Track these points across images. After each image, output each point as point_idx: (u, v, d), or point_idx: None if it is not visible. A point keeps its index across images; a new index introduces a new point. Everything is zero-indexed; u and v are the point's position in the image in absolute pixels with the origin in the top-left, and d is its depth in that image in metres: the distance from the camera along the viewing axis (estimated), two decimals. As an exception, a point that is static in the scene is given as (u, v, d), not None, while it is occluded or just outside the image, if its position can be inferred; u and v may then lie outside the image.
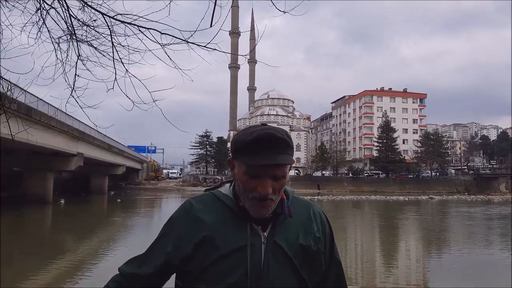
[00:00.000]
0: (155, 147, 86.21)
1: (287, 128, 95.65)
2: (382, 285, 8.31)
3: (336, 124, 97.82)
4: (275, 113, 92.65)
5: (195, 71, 3.11)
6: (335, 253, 1.24)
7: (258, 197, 1.07)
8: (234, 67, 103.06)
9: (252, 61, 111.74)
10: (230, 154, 1.16)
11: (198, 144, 75.89)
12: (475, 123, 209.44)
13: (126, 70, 3.02)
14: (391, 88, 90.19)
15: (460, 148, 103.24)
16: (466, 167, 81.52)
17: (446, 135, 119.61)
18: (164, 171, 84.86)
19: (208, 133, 75.95)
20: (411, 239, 16.19)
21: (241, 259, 1.06)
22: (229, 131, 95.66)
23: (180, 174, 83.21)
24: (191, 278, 1.10)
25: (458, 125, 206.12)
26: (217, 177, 70.77)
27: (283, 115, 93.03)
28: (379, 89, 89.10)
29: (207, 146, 75.67)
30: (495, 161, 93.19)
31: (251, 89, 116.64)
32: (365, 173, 72.58)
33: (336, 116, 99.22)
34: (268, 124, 1.15)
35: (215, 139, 76.58)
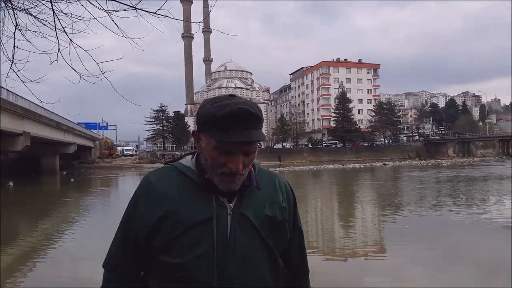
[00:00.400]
0: (107, 123, 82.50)
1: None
2: (341, 249, 8.57)
3: (295, 96, 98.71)
4: (233, 86, 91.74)
5: (146, 40, 2.95)
6: (298, 221, 1.27)
7: (228, 173, 1.06)
8: (187, 36, 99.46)
9: (207, 30, 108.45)
10: (196, 126, 1.13)
11: (153, 119, 73.68)
12: (425, 92, 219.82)
13: (70, 40, 2.82)
14: (346, 59, 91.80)
15: (411, 116, 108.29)
16: (417, 134, 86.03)
17: (398, 104, 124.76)
18: (119, 148, 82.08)
19: (163, 108, 73.83)
20: (367, 204, 16.86)
21: (207, 231, 1.06)
22: (186, 104, 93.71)
23: (136, 151, 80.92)
24: (156, 253, 1.09)
25: (409, 94, 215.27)
26: (176, 153, 69.49)
27: (242, 88, 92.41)
28: (335, 60, 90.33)
29: (164, 121, 73.59)
30: (443, 128, 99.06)
31: (207, 60, 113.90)
32: (324, 144, 74.49)
33: (295, 88, 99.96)
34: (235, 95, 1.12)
35: (171, 114, 74.69)
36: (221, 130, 1.02)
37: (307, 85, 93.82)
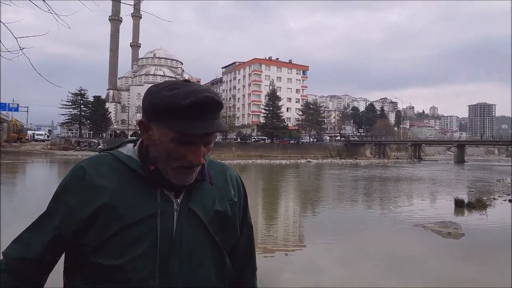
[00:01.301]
0: (17, 104, 74.26)
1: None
2: (262, 246, 8.16)
3: (227, 90, 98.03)
4: (162, 74, 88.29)
5: (73, 19, 2.81)
6: (248, 216, 1.21)
7: (187, 166, 0.96)
8: (115, 19, 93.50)
9: (137, 15, 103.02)
10: (144, 114, 0.99)
11: (71, 103, 68.05)
12: (348, 96, 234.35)
13: None
14: (278, 58, 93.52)
15: (334, 117, 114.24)
16: (339, 134, 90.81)
17: (323, 105, 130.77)
18: (29, 132, 74.51)
19: (83, 91, 68.51)
20: (290, 200, 16.87)
21: (149, 229, 0.94)
22: (108, 90, 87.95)
23: (48, 136, 74.03)
24: (87, 252, 0.95)
25: (334, 96, 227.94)
26: (93, 140, 65.05)
27: (171, 77, 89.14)
28: (267, 58, 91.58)
29: (82, 106, 68.30)
30: (362, 130, 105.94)
31: (135, 45, 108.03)
32: (253, 139, 75.04)
33: (227, 81, 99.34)
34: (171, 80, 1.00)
35: (91, 98, 69.82)
36: (183, 120, 0.92)
37: (239, 80, 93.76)
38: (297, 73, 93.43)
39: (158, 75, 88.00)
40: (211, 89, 0.97)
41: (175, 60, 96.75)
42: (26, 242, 0.97)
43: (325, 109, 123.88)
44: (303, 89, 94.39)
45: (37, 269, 0.97)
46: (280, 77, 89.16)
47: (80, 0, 2.60)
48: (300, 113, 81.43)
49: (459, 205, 14.18)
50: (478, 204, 14.21)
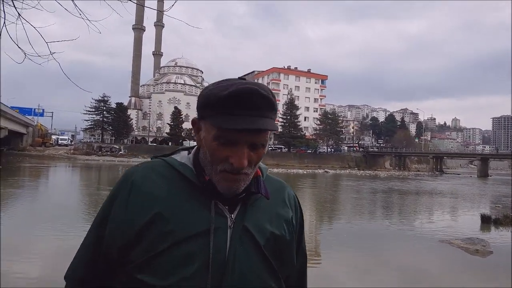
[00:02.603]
0: (43, 109, 76.89)
1: (195, 99, 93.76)
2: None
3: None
4: (182, 82, 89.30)
5: (102, 24, 2.79)
6: (303, 242, 1.07)
7: (229, 170, 0.85)
8: (138, 28, 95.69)
9: (159, 24, 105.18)
10: (197, 113, 0.93)
11: (94, 109, 69.58)
12: (367, 106, 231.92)
13: (19, 15, 2.50)
14: (296, 68, 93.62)
15: (353, 128, 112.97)
16: (357, 144, 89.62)
17: (341, 115, 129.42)
18: (53, 137, 76.70)
19: (106, 98, 70.14)
20: (306, 210, 16.62)
21: (201, 246, 0.84)
22: (130, 97, 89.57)
23: (71, 141, 76.06)
24: (133, 269, 0.85)
25: (352, 106, 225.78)
26: (115, 146, 66.12)
27: (191, 85, 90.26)
28: (286, 67, 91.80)
29: (104, 112, 69.84)
30: (382, 141, 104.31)
31: (157, 54, 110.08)
32: (270, 147, 74.90)
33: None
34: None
35: (113, 105, 71.12)
36: (223, 114, 0.83)
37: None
38: (316, 82, 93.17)
39: (179, 83, 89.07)
40: (262, 84, 0.86)
41: (195, 68, 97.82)
42: (79, 260, 0.93)
43: (344, 118, 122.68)
44: (321, 99, 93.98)
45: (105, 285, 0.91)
46: (299, 86, 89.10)
47: (107, 1, 2.57)
48: (318, 122, 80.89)
49: (486, 221, 13.67)
50: (505, 221, 13.67)
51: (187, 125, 76.68)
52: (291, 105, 73.82)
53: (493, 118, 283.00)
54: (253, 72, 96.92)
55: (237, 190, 0.88)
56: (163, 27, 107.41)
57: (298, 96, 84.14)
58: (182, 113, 73.96)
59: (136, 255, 0.84)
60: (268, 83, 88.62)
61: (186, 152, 0.97)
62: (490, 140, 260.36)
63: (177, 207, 0.86)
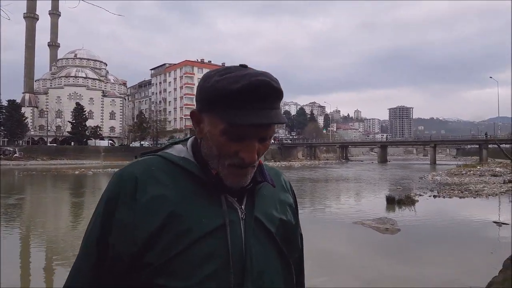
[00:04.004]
0: None
1: (99, 94, 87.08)
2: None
3: (156, 93, 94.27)
4: (84, 76, 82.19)
5: None
6: (299, 226, 1.06)
7: (238, 164, 0.82)
8: (31, 17, 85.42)
9: (55, 13, 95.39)
10: (197, 104, 0.87)
11: (-21, 108, 60.68)
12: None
13: None
14: (210, 61, 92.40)
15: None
16: (272, 138, 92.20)
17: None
18: None
19: (-7, 95, 61.48)
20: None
21: (218, 243, 0.81)
22: (23, 93, 79.78)
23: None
24: (149, 273, 0.79)
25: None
26: (8, 148, 58.44)
27: (94, 78, 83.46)
28: (199, 60, 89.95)
29: (-7, 111, 61.44)
30: (295, 133, 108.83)
31: (53, 45, 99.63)
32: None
33: (156, 84, 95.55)
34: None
35: (4, 103, 63.59)
36: (234, 108, 0.79)
37: (169, 82, 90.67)
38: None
39: (80, 76, 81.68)
40: (269, 74, 0.83)
41: (98, 61, 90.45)
42: (78, 273, 0.85)
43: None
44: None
45: None
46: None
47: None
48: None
49: (390, 202, 14.48)
50: (407, 201, 14.64)
51: (91, 122, 70.77)
52: (205, 100, 72.78)
53: (389, 109, 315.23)
54: (164, 65, 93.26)
55: (245, 183, 0.86)
56: (60, 15, 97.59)
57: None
58: (85, 109, 68.08)
59: (152, 258, 0.79)
60: (181, 77, 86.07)
61: (180, 146, 0.92)
62: (388, 129, 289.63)
63: (189, 204, 0.82)
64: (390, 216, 11.16)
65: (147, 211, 0.80)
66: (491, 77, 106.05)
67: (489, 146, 57.54)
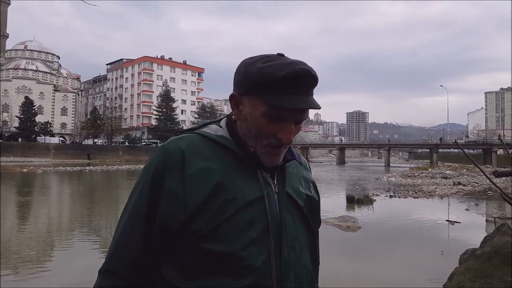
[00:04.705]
0: None
1: (50, 88, 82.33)
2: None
3: (112, 88, 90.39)
4: (34, 68, 77.46)
5: None
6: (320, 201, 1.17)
7: (275, 144, 0.91)
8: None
9: (5, 2, 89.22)
10: (236, 88, 0.95)
11: None
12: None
13: None
14: (171, 58, 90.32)
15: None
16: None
17: (219, 109, 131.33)
18: None
19: None
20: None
21: (259, 212, 0.89)
22: (-35, 85, 73.96)
23: None
24: (198, 239, 0.85)
25: (228, 100, 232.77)
26: None
27: (45, 72, 78.86)
28: (159, 57, 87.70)
29: None
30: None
31: (2, 35, 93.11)
32: (143, 142, 70.75)
33: (112, 79, 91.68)
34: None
35: None
36: (277, 93, 0.86)
37: (126, 78, 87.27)
38: (192, 75, 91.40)
39: (30, 69, 76.81)
40: (307, 63, 0.91)
41: (50, 53, 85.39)
42: (128, 246, 0.90)
43: (221, 112, 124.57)
44: (198, 92, 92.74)
45: (149, 270, 0.90)
46: (174, 78, 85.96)
47: None
48: (196, 115, 79.94)
49: (350, 201, 14.82)
50: (366, 200, 15.06)
51: (41, 118, 66.67)
52: (166, 97, 71.04)
53: (347, 113, 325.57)
54: (122, 60, 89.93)
55: (278, 162, 0.94)
56: (9, 4, 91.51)
57: (174, 88, 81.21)
58: (34, 104, 64.03)
59: (201, 225, 0.85)
60: (139, 73, 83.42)
61: (215, 126, 0.99)
62: (345, 132, 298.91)
63: (233, 176, 0.89)
64: (351, 215, 11.36)
65: (196, 181, 0.87)
66: (441, 86, 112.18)
67: (439, 150, 60.96)
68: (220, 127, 0.99)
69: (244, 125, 0.93)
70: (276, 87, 0.86)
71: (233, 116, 0.97)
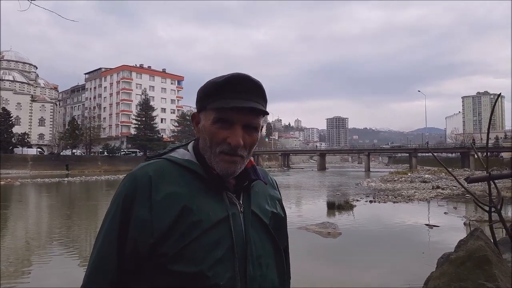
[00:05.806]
0: None
1: (27, 98, 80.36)
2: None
3: (90, 98, 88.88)
4: (11, 79, 75.53)
5: None
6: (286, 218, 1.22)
7: (227, 151, 0.94)
8: None
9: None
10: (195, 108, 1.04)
11: None
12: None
13: None
14: (150, 67, 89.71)
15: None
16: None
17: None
18: None
19: None
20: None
21: (225, 231, 0.93)
22: None
23: None
24: (166, 261, 0.89)
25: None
26: None
27: (22, 82, 77.02)
28: (138, 65, 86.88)
29: None
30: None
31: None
32: (122, 152, 69.60)
33: (90, 89, 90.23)
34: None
35: None
36: (221, 97, 0.94)
37: (105, 87, 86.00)
38: (172, 83, 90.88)
39: (7, 80, 74.81)
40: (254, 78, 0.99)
41: (28, 63, 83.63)
42: (101, 268, 0.93)
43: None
44: (178, 100, 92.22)
45: None
46: (153, 86, 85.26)
47: None
48: (176, 124, 79.25)
49: (331, 207, 14.94)
50: (346, 206, 15.21)
51: (18, 129, 64.89)
52: (146, 106, 70.19)
53: (327, 119, 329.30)
54: (100, 69, 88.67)
55: (234, 172, 0.97)
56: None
57: (154, 97, 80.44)
58: (11, 115, 62.31)
59: (168, 247, 0.89)
60: (118, 82, 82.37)
61: (182, 150, 1.03)
62: (325, 138, 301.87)
63: (198, 199, 0.93)
64: (331, 221, 11.45)
65: (163, 206, 0.91)
66: (419, 91, 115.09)
67: (418, 154, 62.24)
68: (188, 151, 1.02)
69: (202, 139, 0.99)
70: (220, 93, 0.93)
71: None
